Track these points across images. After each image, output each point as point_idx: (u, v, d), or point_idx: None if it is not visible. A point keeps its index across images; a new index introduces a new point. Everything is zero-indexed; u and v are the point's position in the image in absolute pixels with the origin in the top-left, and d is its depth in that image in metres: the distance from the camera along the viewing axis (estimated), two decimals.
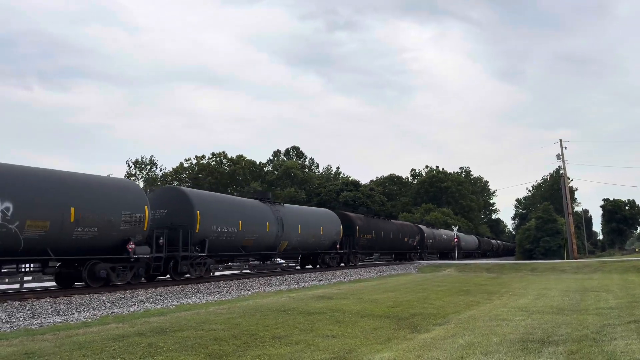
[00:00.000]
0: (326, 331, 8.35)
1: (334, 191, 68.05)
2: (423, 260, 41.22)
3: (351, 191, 67.20)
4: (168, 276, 18.12)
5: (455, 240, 49.65)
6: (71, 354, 6.58)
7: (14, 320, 10.21)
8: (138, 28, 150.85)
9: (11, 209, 12.51)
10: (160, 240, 16.92)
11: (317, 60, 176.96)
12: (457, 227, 54.20)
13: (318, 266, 27.79)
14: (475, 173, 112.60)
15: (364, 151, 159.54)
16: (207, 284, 17.53)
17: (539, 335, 7.89)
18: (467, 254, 59.05)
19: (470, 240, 62.59)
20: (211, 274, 19.96)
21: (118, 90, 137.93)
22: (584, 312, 10.49)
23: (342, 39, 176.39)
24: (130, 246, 15.44)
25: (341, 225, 29.01)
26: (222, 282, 18.33)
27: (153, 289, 15.38)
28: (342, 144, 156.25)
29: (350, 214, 32.33)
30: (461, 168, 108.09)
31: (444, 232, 51.61)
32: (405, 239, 39.17)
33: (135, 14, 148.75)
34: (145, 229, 15.98)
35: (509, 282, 20.46)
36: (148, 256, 16.24)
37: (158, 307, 12.14)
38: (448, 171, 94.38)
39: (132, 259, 15.69)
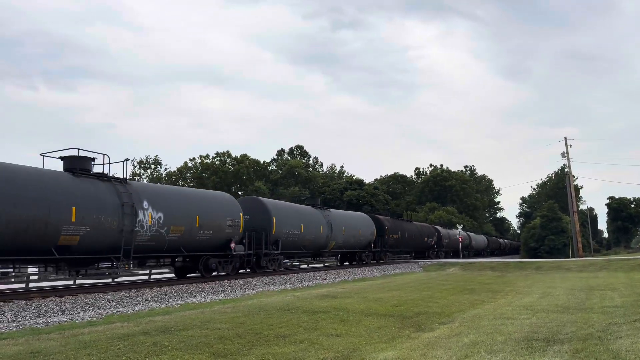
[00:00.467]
0: (330, 330, 8.35)
1: (338, 190, 68.00)
2: (439, 258, 44.07)
3: (355, 190, 67.11)
4: (249, 269, 22.11)
5: (460, 239, 50.66)
6: (76, 353, 6.61)
7: (20, 319, 10.26)
8: (142, 28, 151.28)
9: (162, 218, 16.60)
10: (245, 240, 20.80)
11: (321, 59, 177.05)
12: (462, 225, 54.77)
13: (355, 263, 31.79)
14: (479, 171, 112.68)
15: (368, 150, 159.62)
16: (211, 282, 17.61)
17: (544, 333, 7.86)
18: (477, 252, 63.98)
19: (480, 239, 67.23)
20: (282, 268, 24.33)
21: (123, 90, 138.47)
22: (589, 311, 10.45)
23: (346, 38, 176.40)
24: (232, 245, 19.76)
25: (375, 227, 32.62)
26: (226, 281, 18.39)
27: (158, 288, 15.44)
28: (346, 143, 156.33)
29: (381, 217, 35.91)
30: (465, 166, 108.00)
31: (457, 232, 54.95)
32: (425, 239, 43.21)
33: (140, 13, 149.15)
34: (241, 231, 20.32)
35: (513, 281, 20.39)
36: (243, 253, 20.53)
37: (163, 306, 12.18)
38: (452, 170, 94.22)
39: (231, 255, 19.88)
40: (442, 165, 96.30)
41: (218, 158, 76.33)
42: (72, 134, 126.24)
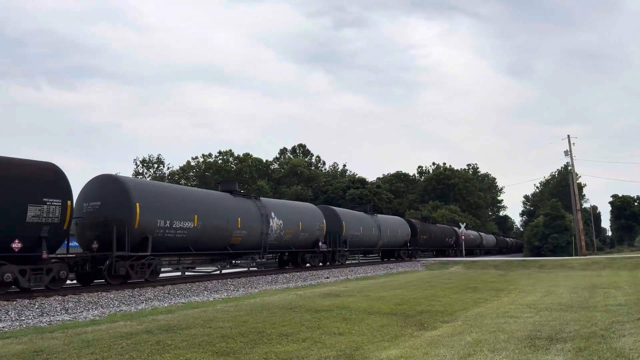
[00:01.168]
0: (333, 329, 8.35)
1: (341, 189, 67.96)
2: (457, 256, 47.41)
3: (358, 189, 67.08)
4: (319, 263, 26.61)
5: (463, 237, 50.91)
6: (79, 352, 6.63)
7: (23, 318, 10.30)
8: (146, 27, 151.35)
9: (282, 225, 22.38)
10: (322, 240, 25.90)
11: (324, 57, 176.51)
12: (464, 224, 54.95)
13: (393, 259, 37.02)
14: (482, 170, 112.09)
15: (371, 148, 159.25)
16: (214, 281, 17.68)
17: (546, 332, 7.85)
18: (487, 250, 68.38)
19: (490, 238, 72.71)
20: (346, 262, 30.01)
21: (126, 90, 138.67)
22: (592, 309, 10.43)
23: (349, 36, 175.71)
24: (320, 243, 25.55)
25: (409, 229, 38.14)
26: (229, 279, 18.46)
27: (161, 287, 15.46)
28: (348, 142, 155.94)
29: (413, 220, 41.83)
30: (468, 165, 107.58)
31: (471, 232, 60.40)
32: (446, 239, 48.58)
33: (143, 13, 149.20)
34: (324, 233, 26.12)
35: (516, 279, 20.36)
36: (326, 250, 26.22)
37: (166, 305, 12.20)
38: (455, 168, 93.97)
39: (318, 252, 25.66)
40: (444, 164, 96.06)
41: (221, 157, 76.40)
42: (76, 134, 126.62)
